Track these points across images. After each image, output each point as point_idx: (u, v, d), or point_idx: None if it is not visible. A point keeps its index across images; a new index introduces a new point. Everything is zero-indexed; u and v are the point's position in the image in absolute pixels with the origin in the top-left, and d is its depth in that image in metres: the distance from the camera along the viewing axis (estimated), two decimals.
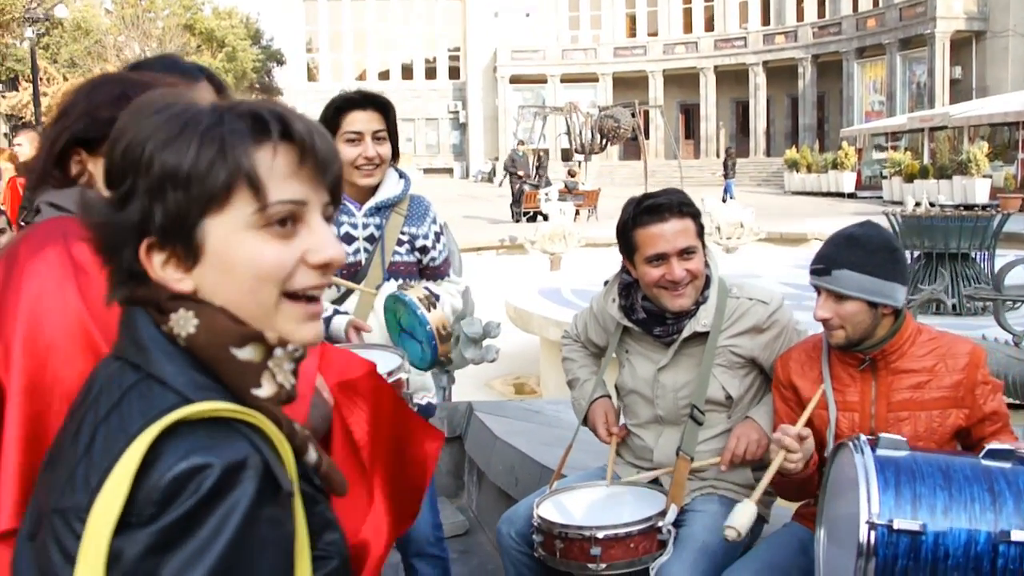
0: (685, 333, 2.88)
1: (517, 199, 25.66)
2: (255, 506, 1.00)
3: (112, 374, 1.12)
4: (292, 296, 1.14)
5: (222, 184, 1.09)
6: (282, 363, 1.15)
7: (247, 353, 1.12)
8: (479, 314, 5.93)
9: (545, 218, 19.65)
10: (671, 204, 2.80)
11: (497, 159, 49.52)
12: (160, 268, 1.11)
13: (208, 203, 1.09)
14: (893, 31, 42.21)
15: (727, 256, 17.60)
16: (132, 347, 1.12)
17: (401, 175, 3.22)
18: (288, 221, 1.12)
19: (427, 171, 52.05)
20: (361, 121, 3.04)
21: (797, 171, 38.35)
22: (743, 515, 2.40)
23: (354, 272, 3.09)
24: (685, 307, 2.86)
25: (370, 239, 3.12)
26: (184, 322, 1.10)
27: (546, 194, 22.11)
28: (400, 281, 3.11)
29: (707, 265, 2.92)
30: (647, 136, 46.81)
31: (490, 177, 47.65)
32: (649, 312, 2.93)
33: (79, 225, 1.15)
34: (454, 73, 57.72)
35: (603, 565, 2.61)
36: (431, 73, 58.11)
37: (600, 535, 2.61)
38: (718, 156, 46.10)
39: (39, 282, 1.49)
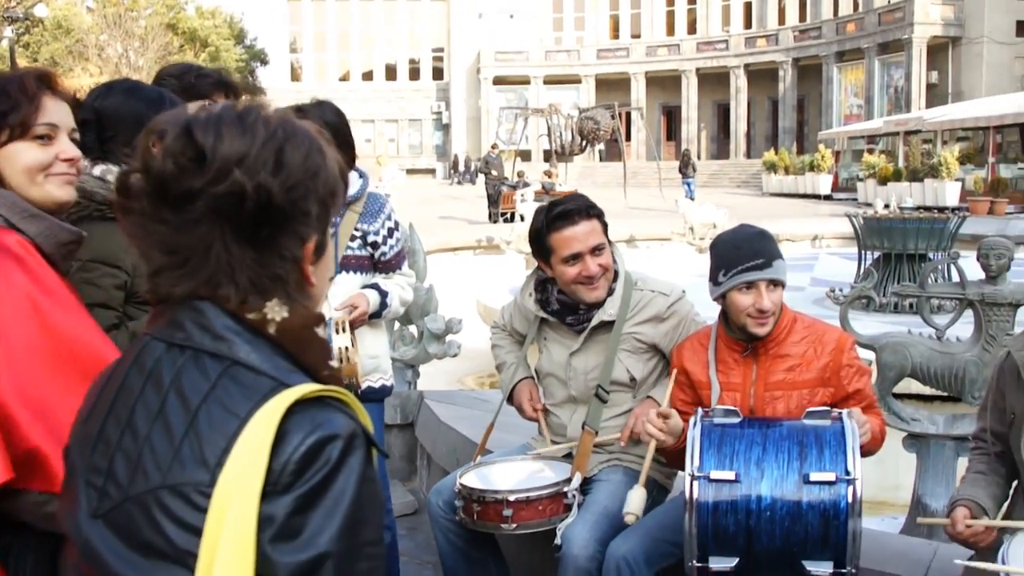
0: (594, 322, 3.24)
1: (494, 200, 25.96)
2: (365, 468, 1.17)
3: (185, 363, 1.21)
4: None
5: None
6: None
7: (322, 332, 1.29)
8: (452, 312, 6.25)
9: (522, 219, 19.92)
10: (580, 208, 3.16)
11: (479, 160, 49.82)
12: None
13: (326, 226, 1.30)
14: (872, 36, 42.74)
15: (699, 256, 17.93)
16: (206, 337, 1.21)
17: (360, 175, 3.54)
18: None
19: (410, 171, 52.32)
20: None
21: (775, 173, 38.70)
22: (635, 500, 2.80)
23: None
24: (600, 298, 3.22)
25: None
26: (279, 309, 1.23)
27: (522, 195, 22.41)
28: (351, 274, 3.45)
29: (614, 260, 3.26)
30: (628, 138, 47.21)
31: (472, 178, 47.89)
32: (562, 304, 3.29)
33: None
34: (438, 74, 57.97)
35: (514, 525, 2.97)
36: (415, 74, 58.38)
37: (511, 498, 2.97)
38: (699, 158, 46.52)
39: None
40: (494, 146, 30.19)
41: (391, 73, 58.21)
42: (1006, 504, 2.76)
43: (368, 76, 57.99)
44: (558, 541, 2.96)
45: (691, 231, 19.65)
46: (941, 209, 18.90)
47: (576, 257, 3.15)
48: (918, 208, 13.73)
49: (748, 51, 49.46)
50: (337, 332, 3.03)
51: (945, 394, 5.31)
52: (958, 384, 5.14)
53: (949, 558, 3.14)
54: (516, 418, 3.56)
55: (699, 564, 2.43)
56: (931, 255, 10.86)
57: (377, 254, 3.54)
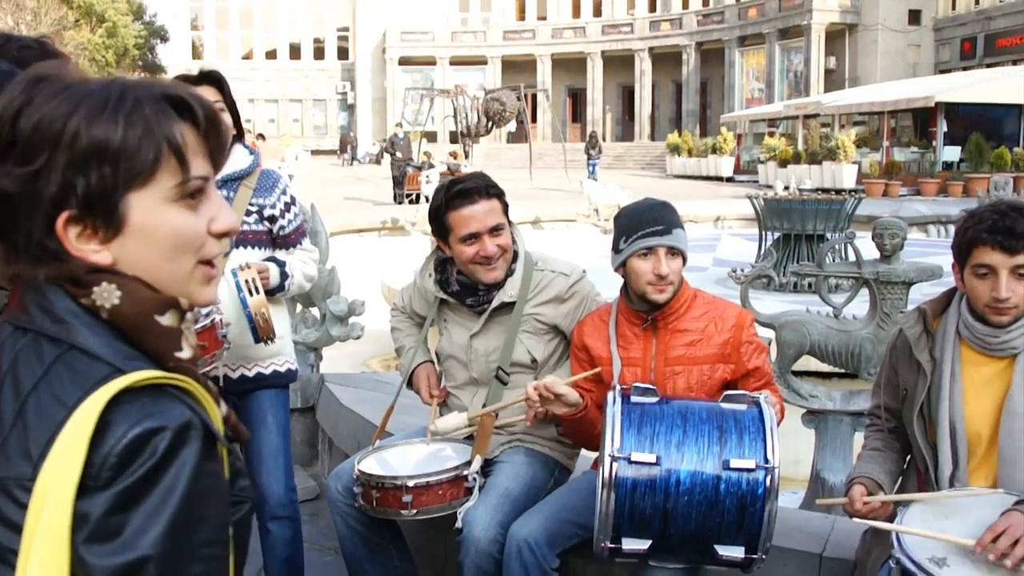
0: (494, 303, 3.19)
1: (399, 181, 25.75)
2: (201, 462, 1.09)
3: (24, 346, 1.14)
4: (203, 262, 1.22)
5: (151, 159, 1.14)
6: (191, 326, 1.24)
7: (168, 319, 1.18)
8: (356, 294, 6.15)
9: (427, 200, 19.74)
10: (479, 187, 3.11)
11: (384, 141, 49.39)
12: (77, 241, 1.15)
13: (136, 177, 1.14)
14: (772, 21, 43.49)
15: (604, 237, 18.05)
16: (47, 320, 1.14)
17: (250, 151, 3.44)
18: (197, 194, 1.20)
19: (315, 152, 51.51)
20: None
21: (679, 155, 39.14)
22: (448, 421, 3.00)
23: None
24: (498, 279, 3.16)
25: None
26: (108, 294, 1.14)
27: (427, 176, 22.28)
28: (248, 250, 3.34)
29: (514, 240, 3.21)
30: (534, 120, 47.28)
31: (377, 159, 47.50)
32: (462, 285, 3.23)
33: None
34: (343, 54, 57.10)
35: (414, 511, 2.91)
36: (319, 53, 57.41)
37: (410, 483, 2.91)
38: (604, 140, 46.88)
39: None
40: (399, 125, 29.90)
41: (295, 52, 57.13)
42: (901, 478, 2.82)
43: (272, 55, 56.86)
44: (459, 525, 2.91)
45: (596, 212, 19.76)
46: (839, 191, 19.36)
47: (474, 237, 3.09)
48: (817, 190, 14.04)
49: (652, 35, 49.89)
50: (250, 293, 3.00)
51: (841, 371, 5.43)
52: (854, 361, 5.25)
53: (847, 531, 3.20)
54: (417, 400, 3.50)
55: (612, 545, 2.40)
56: (829, 235, 11.11)
57: (275, 228, 3.44)
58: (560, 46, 52.05)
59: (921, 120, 32.48)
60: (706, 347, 2.91)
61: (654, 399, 2.55)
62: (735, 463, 2.36)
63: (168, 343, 1.18)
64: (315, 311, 6.05)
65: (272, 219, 3.42)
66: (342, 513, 3.18)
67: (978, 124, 30.93)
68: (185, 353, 1.20)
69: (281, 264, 3.37)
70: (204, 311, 2.82)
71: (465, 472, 2.96)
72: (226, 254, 3.32)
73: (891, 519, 2.55)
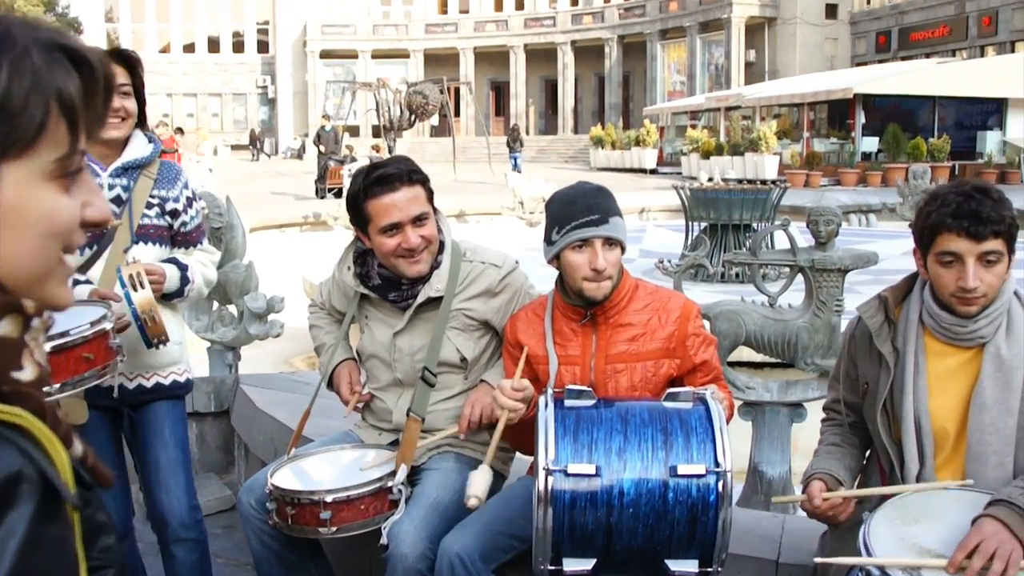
0: (420, 298, 2.92)
1: (321, 175, 25.27)
2: (36, 527, 0.81)
3: None
4: (68, 253, 0.95)
5: (37, 122, 0.88)
6: (37, 336, 0.94)
7: (3, 328, 0.89)
8: (278, 291, 5.87)
9: None
10: (401, 173, 2.83)
11: (307, 135, 48.67)
12: None
13: (13, 144, 0.87)
14: (693, 15, 43.92)
15: (530, 230, 17.91)
16: None
17: (151, 140, 3.15)
18: (77, 173, 0.94)
19: (235, 147, 50.55)
20: None
21: (602, 148, 39.30)
22: (479, 481, 2.47)
23: (100, 235, 2.99)
24: (422, 272, 2.90)
25: (117, 201, 3.02)
26: None
27: (349, 170, 21.86)
28: (149, 246, 3.05)
29: (440, 230, 2.96)
30: (457, 113, 47.06)
31: (299, 154, 46.77)
32: (384, 278, 2.95)
33: None
34: (263, 47, 56.04)
35: (334, 528, 2.64)
36: (239, 47, 56.23)
37: (329, 499, 2.63)
38: (528, 133, 46.83)
39: None
40: (327, 118, 29.35)
41: (214, 46, 55.85)
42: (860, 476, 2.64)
43: (190, 48, 55.53)
44: (384, 541, 2.63)
45: (521, 205, 19.61)
46: (763, 182, 19.48)
47: (395, 227, 2.82)
48: (741, 181, 14.06)
49: (575, 28, 49.99)
50: (135, 289, 2.70)
51: (775, 361, 5.30)
52: (791, 350, 5.13)
53: (799, 532, 3.02)
54: (337, 401, 3.22)
55: (552, 567, 2.15)
56: (755, 225, 11.14)
57: (177, 224, 3.15)
58: (483, 39, 51.92)
59: (838, 112, 32.95)
60: (650, 342, 2.68)
61: (590, 402, 2.29)
62: (683, 469, 2.12)
63: (3, 361, 0.89)
64: (232, 309, 5.77)
65: (174, 214, 3.14)
66: (256, 530, 2.90)
67: (894, 115, 31.49)
68: (26, 374, 0.90)
69: (183, 267, 3.08)
70: (96, 316, 2.52)
71: (389, 483, 2.69)
72: (126, 250, 3.06)
73: (852, 519, 2.37)
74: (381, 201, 2.81)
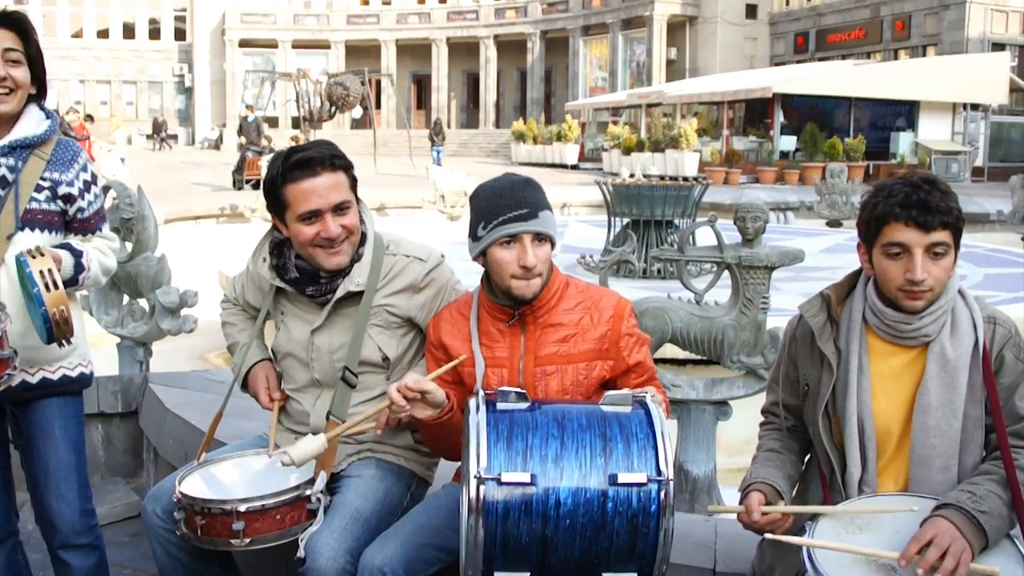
0: (339, 293, 2.75)
1: (240, 166, 24.76)
2: None
3: None
4: None
5: None
6: None
7: None
8: (193, 284, 5.64)
9: None
10: (322, 157, 2.65)
11: (224, 125, 47.77)
12: None
13: None
14: (616, 11, 44.21)
15: (451, 224, 17.79)
16: None
17: (48, 115, 2.87)
18: None
19: (150, 137, 49.33)
20: None
21: (524, 143, 39.35)
22: (306, 449, 2.46)
23: None
24: (342, 265, 2.73)
25: (2, 182, 2.76)
26: None
27: (267, 161, 21.46)
28: (36, 232, 2.77)
29: (362, 221, 2.80)
30: (379, 106, 46.72)
31: (217, 144, 45.86)
32: (302, 271, 2.77)
33: None
34: (180, 35, 54.74)
35: (247, 540, 2.45)
36: (155, 34, 54.77)
37: (242, 508, 2.44)
38: (449, 127, 46.65)
39: None
40: (250, 108, 28.74)
41: (129, 32, 54.26)
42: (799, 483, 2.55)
43: (104, 34, 53.89)
44: (301, 554, 2.45)
45: (442, 199, 19.50)
46: (684, 178, 19.61)
47: (315, 215, 2.64)
48: (663, 177, 14.12)
49: (498, 22, 49.95)
50: (47, 289, 2.46)
51: (699, 358, 5.26)
52: (717, 348, 5.09)
53: (733, 538, 2.93)
54: (251, 402, 3.04)
55: None
56: (677, 221, 11.18)
57: (72, 210, 2.85)
58: (405, 32, 51.57)
59: (756, 111, 33.41)
60: (582, 343, 2.55)
61: (524, 405, 2.15)
62: (623, 477, 1.99)
63: None
64: (143, 303, 5.53)
65: (68, 199, 2.84)
66: (162, 540, 2.69)
67: (811, 115, 32.09)
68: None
69: (77, 253, 2.79)
70: None
71: (307, 492, 2.52)
72: (9, 236, 2.81)
73: (794, 531, 2.28)
74: (300, 186, 2.63)
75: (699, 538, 2.92)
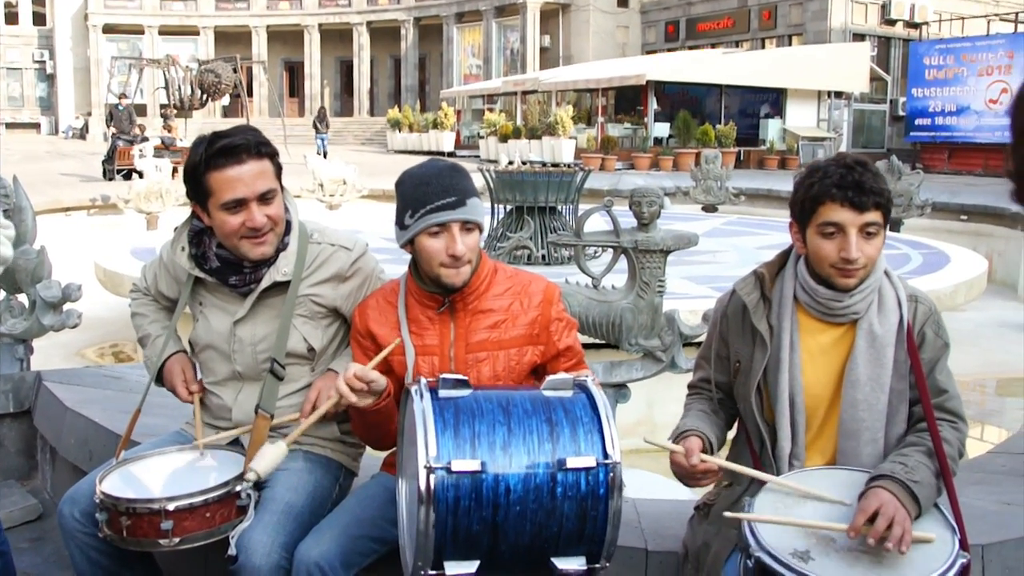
0: (265, 283, 2.69)
1: (110, 156, 23.86)
2: None
3: None
4: None
5: None
6: None
7: None
8: (67, 278, 5.41)
9: (140, 175, 18.52)
10: (248, 144, 2.58)
11: (90, 114, 46.06)
12: None
13: None
14: None
15: (331, 213, 17.59)
16: None
17: None
18: None
19: (10, 126, 47.22)
20: None
21: (400, 131, 39.12)
22: (268, 457, 2.43)
23: None
24: (267, 255, 2.67)
25: None
26: None
27: (140, 150, 20.78)
28: None
29: (287, 209, 2.74)
30: (250, 93, 45.70)
31: (82, 133, 44.16)
32: (224, 261, 2.70)
33: None
34: (39, 19, 52.48)
35: (176, 540, 2.38)
36: (12, 18, 52.30)
37: (170, 507, 2.37)
38: None
39: None
40: (123, 96, 27.69)
41: None
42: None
43: None
44: (232, 551, 2.39)
45: (321, 187, 19.20)
46: (566, 165, 19.77)
47: (240, 203, 2.58)
48: (544, 164, 14.21)
49: (370, 9, 49.45)
50: None
51: (598, 341, 5.32)
52: (615, 331, 5.17)
53: (655, 516, 2.98)
54: (166, 397, 2.94)
55: (433, 571, 1.98)
56: (560, 207, 11.29)
57: None
58: (276, 18, 50.64)
59: (628, 98, 33.89)
60: (512, 328, 2.55)
61: (466, 392, 2.13)
62: (571, 462, 1.99)
63: None
64: (23, 298, 5.28)
65: None
66: (81, 544, 2.59)
67: (684, 102, 32.73)
68: None
69: None
70: None
71: (237, 488, 2.46)
72: None
73: (725, 507, 2.34)
74: (225, 174, 2.56)
75: (623, 518, 2.96)
